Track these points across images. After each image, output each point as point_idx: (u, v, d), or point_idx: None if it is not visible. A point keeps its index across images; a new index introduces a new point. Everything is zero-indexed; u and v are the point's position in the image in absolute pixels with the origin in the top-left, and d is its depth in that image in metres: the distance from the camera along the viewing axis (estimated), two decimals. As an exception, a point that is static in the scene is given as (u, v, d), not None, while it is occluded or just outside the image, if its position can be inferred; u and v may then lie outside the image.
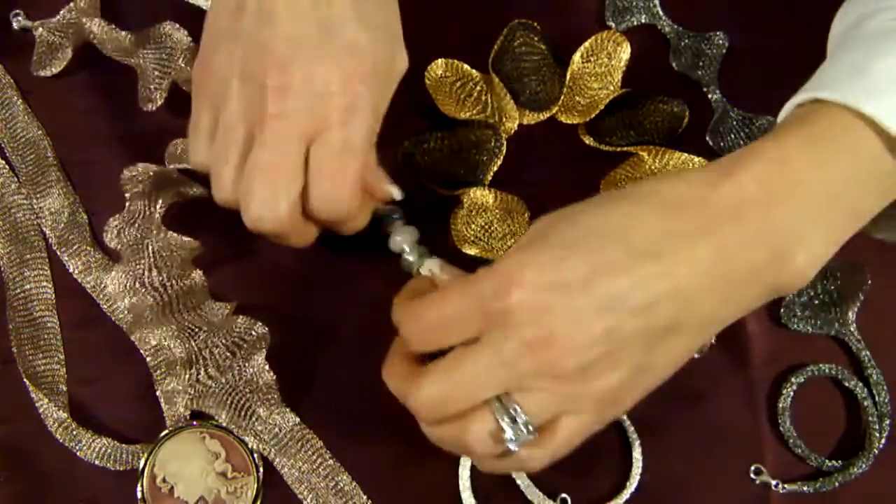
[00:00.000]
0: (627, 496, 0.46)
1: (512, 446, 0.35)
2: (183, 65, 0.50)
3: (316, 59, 0.38)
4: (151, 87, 0.50)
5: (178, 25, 0.50)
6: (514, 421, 0.35)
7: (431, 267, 0.42)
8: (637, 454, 0.46)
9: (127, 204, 0.47)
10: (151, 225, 0.47)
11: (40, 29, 0.52)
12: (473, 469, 0.46)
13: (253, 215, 0.39)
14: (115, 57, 0.52)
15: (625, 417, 0.47)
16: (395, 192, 0.43)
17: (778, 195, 0.35)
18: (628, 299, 0.34)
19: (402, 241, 0.44)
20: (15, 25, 0.53)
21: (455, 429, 0.37)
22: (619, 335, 0.34)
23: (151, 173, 0.46)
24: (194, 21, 0.52)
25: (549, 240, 0.35)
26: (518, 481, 0.46)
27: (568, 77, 0.51)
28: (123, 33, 0.51)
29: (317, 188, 0.39)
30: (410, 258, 0.44)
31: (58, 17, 0.52)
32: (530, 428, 0.35)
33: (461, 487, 0.46)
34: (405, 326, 0.38)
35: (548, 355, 0.34)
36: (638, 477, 0.46)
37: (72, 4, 0.52)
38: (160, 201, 0.48)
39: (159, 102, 0.50)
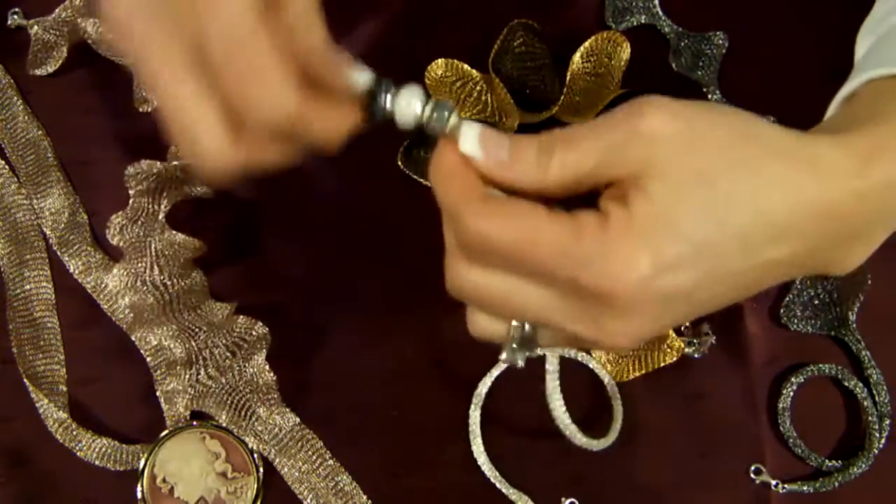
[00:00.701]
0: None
1: (502, 362, 0.32)
2: None
3: None
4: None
5: None
6: (517, 350, 0.32)
7: (469, 148, 0.31)
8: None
9: (130, 201, 0.47)
10: (155, 223, 0.47)
11: (35, 27, 0.52)
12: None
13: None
14: (110, 57, 0.52)
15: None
16: (363, 76, 0.33)
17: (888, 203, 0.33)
18: (717, 301, 0.32)
19: (413, 102, 0.32)
20: (10, 24, 0.53)
21: (479, 292, 0.31)
22: (693, 311, 0.32)
23: (155, 170, 0.46)
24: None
25: (679, 228, 0.30)
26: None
27: (568, 77, 0.51)
28: None
29: (235, 98, 0.30)
30: (435, 120, 0.32)
31: (53, 15, 0.52)
32: (524, 361, 0.32)
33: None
34: (468, 226, 0.30)
35: (611, 339, 0.31)
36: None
37: (67, 3, 0.52)
38: (165, 200, 0.48)
39: (155, 103, 0.50)
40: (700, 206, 0.30)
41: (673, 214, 0.29)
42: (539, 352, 0.33)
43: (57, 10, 0.52)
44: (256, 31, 0.29)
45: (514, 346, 0.32)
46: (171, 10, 0.30)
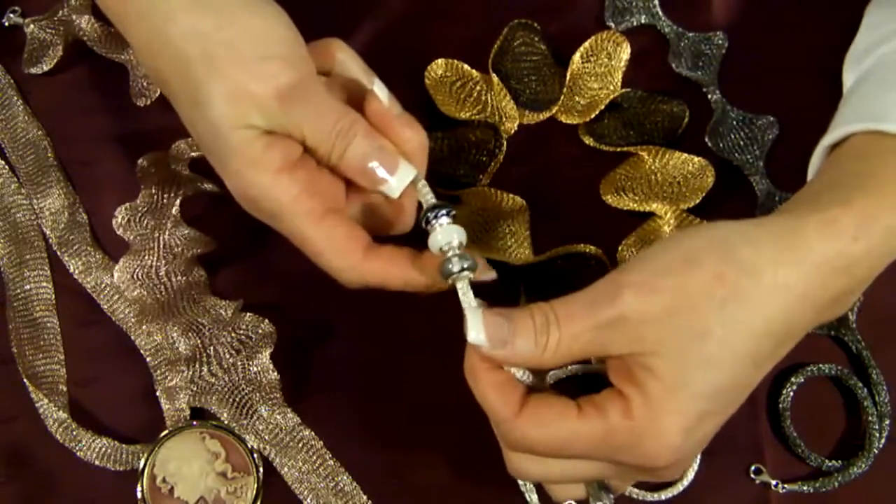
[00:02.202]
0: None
1: None
2: None
3: None
4: (144, 82, 0.50)
5: None
6: (602, 498, 0.36)
7: (473, 338, 0.35)
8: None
9: (140, 193, 0.47)
10: (165, 217, 0.47)
11: (31, 26, 0.52)
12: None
13: None
14: (106, 54, 0.52)
15: None
16: (426, 197, 0.39)
17: (883, 262, 0.36)
18: (744, 392, 0.35)
19: (445, 239, 0.37)
20: (6, 22, 0.53)
21: (540, 476, 0.36)
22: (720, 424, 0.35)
23: (168, 163, 0.46)
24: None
25: (693, 389, 0.33)
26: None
27: (568, 77, 0.51)
28: (113, 30, 0.51)
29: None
30: (451, 265, 0.37)
31: (48, 13, 0.52)
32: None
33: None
34: (510, 436, 0.34)
35: (660, 474, 0.34)
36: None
37: (63, 1, 0.52)
38: (178, 193, 0.48)
39: (154, 97, 0.50)
40: (704, 360, 0.33)
41: (683, 380, 0.32)
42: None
43: (53, 8, 0.52)
44: (306, 236, 0.39)
45: (596, 499, 0.36)
46: None
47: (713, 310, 0.33)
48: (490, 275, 0.39)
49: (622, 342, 0.33)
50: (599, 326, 0.33)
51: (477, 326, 0.34)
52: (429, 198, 0.39)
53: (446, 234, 0.37)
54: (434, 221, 0.38)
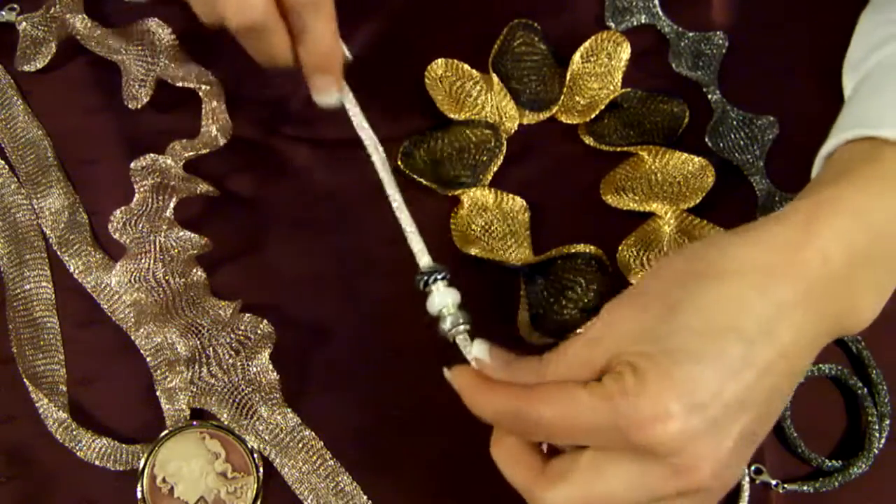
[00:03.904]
0: None
1: None
2: (167, 62, 0.50)
3: None
4: (136, 84, 0.50)
5: (161, 22, 0.50)
6: None
7: (478, 353, 0.39)
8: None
9: (136, 196, 0.47)
10: (160, 220, 0.47)
11: (24, 23, 0.52)
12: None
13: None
14: (99, 53, 0.52)
15: None
16: (423, 261, 0.43)
17: (858, 250, 0.36)
18: (756, 393, 0.34)
19: (441, 303, 0.42)
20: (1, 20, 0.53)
21: None
22: (748, 432, 0.34)
23: (161, 164, 0.46)
24: (182, 18, 0.52)
25: (668, 354, 0.34)
26: None
27: (568, 77, 0.51)
28: (106, 30, 0.51)
29: None
30: (445, 324, 0.41)
31: (41, 10, 0.52)
32: None
33: None
34: (514, 419, 0.36)
35: (692, 479, 0.34)
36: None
37: None
38: (172, 196, 0.48)
39: (144, 100, 0.50)
40: (683, 341, 0.34)
41: (670, 355, 0.34)
42: None
43: (46, 5, 0.52)
44: None
45: None
46: None
47: (685, 296, 0.35)
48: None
49: (607, 354, 0.35)
50: (588, 343, 0.36)
51: (483, 348, 0.39)
52: (425, 262, 0.43)
53: (443, 298, 0.41)
54: (432, 286, 0.42)
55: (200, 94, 0.49)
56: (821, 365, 0.48)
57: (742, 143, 0.52)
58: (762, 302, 0.34)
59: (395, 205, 0.44)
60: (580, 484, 0.34)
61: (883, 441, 0.46)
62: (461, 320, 0.41)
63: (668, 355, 0.34)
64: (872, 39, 0.44)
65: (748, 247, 0.36)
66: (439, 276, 0.42)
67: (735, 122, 0.52)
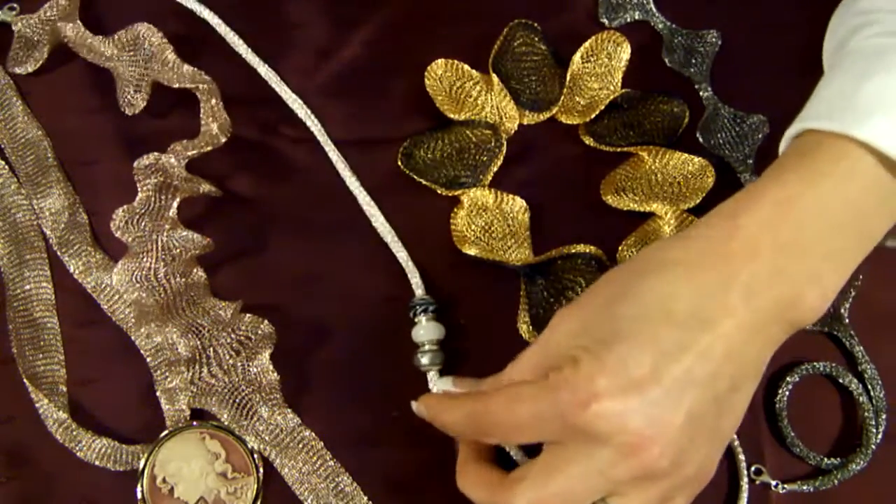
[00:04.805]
0: None
1: None
2: (159, 66, 0.50)
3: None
4: (131, 90, 0.50)
5: (152, 27, 0.50)
6: None
7: (443, 386, 0.44)
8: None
9: (139, 195, 0.47)
10: (163, 220, 0.47)
11: (20, 24, 0.52)
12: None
13: None
14: (91, 60, 0.52)
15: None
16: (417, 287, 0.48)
17: (785, 239, 0.36)
18: (696, 376, 0.34)
19: (424, 336, 0.46)
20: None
21: None
22: (696, 414, 0.35)
23: (164, 163, 0.46)
24: (172, 22, 0.52)
25: (603, 342, 0.35)
26: None
27: (568, 77, 0.51)
28: (97, 37, 0.51)
29: None
30: (423, 359, 0.46)
31: (37, 14, 0.52)
32: None
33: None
34: (474, 413, 0.38)
35: (642, 459, 0.34)
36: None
37: (53, 2, 0.52)
38: (176, 196, 0.47)
39: (142, 105, 0.50)
40: (617, 328, 0.36)
41: (589, 334, 0.36)
42: None
43: (42, 9, 0.52)
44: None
45: None
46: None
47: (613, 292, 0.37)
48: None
49: (556, 359, 0.37)
50: (538, 347, 0.39)
51: (447, 381, 0.44)
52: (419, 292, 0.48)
53: (428, 331, 0.46)
54: (421, 316, 0.46)
55: (198, 93, 0.49)
56: (815, 363, 0.48)
57: (732, 140, 0.52)
58: (692, 291, 0.35)
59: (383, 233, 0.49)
60: (538, 483, 0.36)
61: (880, 436, 0.47)
62: (437, 360, 0.46)
63: (603, 342, 0.35)
64: (837, 36, 0.45)
65: (681, 241, 0.38)
66: (429, 309, 0.46)
67: (726, 120, 0.52)
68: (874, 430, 0.47)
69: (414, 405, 0.43)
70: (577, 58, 0.52)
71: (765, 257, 0.36)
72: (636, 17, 0.55)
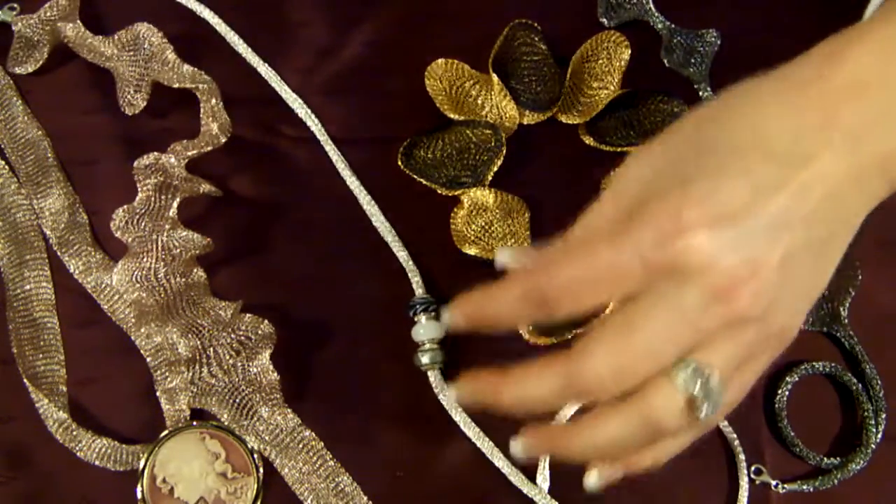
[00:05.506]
0: None
1: (706, 414, 0.32)
2: (160, 66, 0.50)
3: None
4: (131, 90, 0.50)
5: (152, 27, 0.50)
6: (704, 388, 0.31)
7: (504, 258, 0.36)
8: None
9: (139, 195, 0.47)
10: (163, 220, 0.47)
11: (20, 24, 0.52)
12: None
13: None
14: (91, 60, 0.52)
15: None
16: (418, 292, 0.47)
17: None
18: (793, 215, 0.31)
19: (425, 335, 0.46)
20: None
21: (635, 412, 0.32)
22: (791, 259, 0.31)
23: (164, 163, 0.46)
24: (173, 22, 0.52)
25: (690, 174, 0.31)
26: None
27: (568, 77, 0.51)
28: (97, 37, 0.51)
29: None
30: (423, 358, 0.45)
31: (37, 14, 0.52)
32: (721, 393, 0.32)
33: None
34: (537, 281, 0.32)
35: (735, 302, 0.30)
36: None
37: (52, 2, 0.52)
38: (176, 196, 0.47)
39: (142, 105, 0.50)
40: (705, 163, 0.32)
41: (676, 165, 0.32)
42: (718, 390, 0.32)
43: (42, 9, 0.52)
44: None
45: (709, 409, 0.32)
46: None
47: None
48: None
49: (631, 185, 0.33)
50: (610, 197, 0.34)
51: (506, 253, 0.36)
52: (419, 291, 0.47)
53: (427, 330, 0.46)
54: (421, 315, 0.46)
55: (198, 93, 0.49)
56: (815, 363, 0.48)
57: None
58: (790, 126, 0.32)
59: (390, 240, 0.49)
60: (618, 341, 0.31)
61: (880, 436, 0.47)
62: (438, 359, 0.45)
63: (688, 177, 0.31)
64: None
65: (778, 75, 0.34)
66: (430, 308, 0.46)
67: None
68: (874, 430, 0.47)
69: (447, 314, 0.35)
70: (576, 58, 0.52)
71: (871, 97, 0.32)
72: (636, 17, 0.55)
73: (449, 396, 0.43)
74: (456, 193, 0.50)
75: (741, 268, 0.30)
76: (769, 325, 0.32)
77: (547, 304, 0.32)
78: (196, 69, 0.49)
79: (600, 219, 0.34)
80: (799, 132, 0.32)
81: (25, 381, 0.46)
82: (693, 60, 0.54)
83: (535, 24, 0.53)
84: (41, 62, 0.52)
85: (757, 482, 0.46)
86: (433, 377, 0.46)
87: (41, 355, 0.48)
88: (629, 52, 0.52)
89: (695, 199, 0.31)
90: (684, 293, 0.30)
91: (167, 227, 0.47)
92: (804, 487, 0.46)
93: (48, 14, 0.52)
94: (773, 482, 0.46)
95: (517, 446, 0.35)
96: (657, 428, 0.32)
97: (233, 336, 0.46)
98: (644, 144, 0.34)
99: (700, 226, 0.30)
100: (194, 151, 0.48)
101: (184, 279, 0.47)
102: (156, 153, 0.47)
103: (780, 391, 0.47)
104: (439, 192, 0.50)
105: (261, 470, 0.45)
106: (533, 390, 0.33)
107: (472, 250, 0.48)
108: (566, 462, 0.34)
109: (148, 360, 0.48)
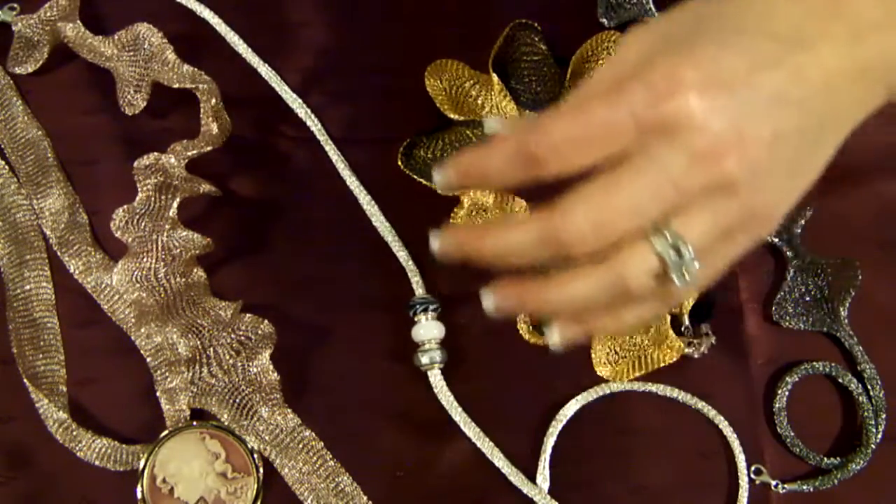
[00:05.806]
0: None
1: (678, 283, 0.31)
2: (160, 66, 0.50)
3: None
4: (131, 90, 0.50)
5: (151, 27, 0.50)
6: (679, 255, 0.31)
7: (493, 126, 0.36)
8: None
9: (139, 195, 0.47)
10: (163, 220, 0.47)
11: (20, 24, 0.52)
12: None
13: None
14: (91, 60, 0.52)
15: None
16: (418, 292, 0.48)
17: None
18: (789, 95, 0.31)
19: (425, 334, 0.46)
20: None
21: (609, 271, 0.32)
22: (781, 139, 0.31)
23: (164, 163, 0.46)
24: (173, 21, 0.52)
25: (695, 41, 0.31)
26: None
27: (568, 77, 0.51)
28: (97, 37, 0.51)
29: None
30: (423, 358, 0.46)
31: (37, 14, 0.52)
32: (696, 263, 0.31)
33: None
34: (529, 139, 0.32)
35: (720, 167, 0.31)
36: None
37: (52, 2, 0.52)
38: (176, 196, 0.47)
39: (142, 105, 0.50)
40: (707, 35, 0.32)
41: (680, 34, 0.32)
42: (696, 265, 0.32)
43: (42, 9, 0.52)
44: None
45: (682, 278, 0.32)
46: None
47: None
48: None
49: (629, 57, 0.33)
50: (610, 65, 0.34)
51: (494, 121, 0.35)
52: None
53: (428, 330, 0.46)
54: (421, 315, 0.46)
55: (198, 93, 0.49)
56: (815, 363, 0.48)
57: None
58: (794, 11, 0.32)
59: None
60: (600, 197, 0.31)
61: (880, 436, 0.47)
62: (438, 359, 0.46)
63: (689, 42, 0.31)
64: None
65: None
66: (430, 308, 0.46)
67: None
68: (874, 430, 0.47)
69: (439, 173, 0.35)
70: (576, 58, 0.52)
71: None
72: (636, 17, 0.54)
73: (434, 248, 0.36)
74: (456, 193, 0.49)
75: (728, 133, 0.30)
76: (752, 200, 0.32)
77: (538, 162, 0.32)
78: (196, 69, 0.49)
79: (598, 86, 0.33)
80: (803, 19, 0.32)
81: (25, 381, 0.47)
82: (693, 60, 0.54)
83: (535, 24, 0.52)
84: (41, 62, 0.52)
85: (757, 482, 0.46)
86: (433, 377, 0.46)
87: (41, 355, 0.48)
88: (629, 52, 0.52)
89: (693, 62, 0.31)
90: (671, 153, 0.31)
91: (167, 227, 0.47)
92: (804, 487, 0.46)
93: (48, 14, 0.52)
94: (773, 482, 0.46)
95: (488, 299, 0.34)
96: (628, 289, 0.32)
97: (233, 336, 0.46)
98: (645, 21, 0.35)
99: (694, 87, 0.30)
100: (194, 151, 0.48)
101: (184, 279, 0.47)
102: (156, 153, 0.47)
103: (779, 391, 0.47)
104: (439, 192, 0.50)
105: (261, 470, 0.45)
106: (515, 240, 0.33)
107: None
108: (534, 318, 0.33)
109: (148, 360, 0.48)
